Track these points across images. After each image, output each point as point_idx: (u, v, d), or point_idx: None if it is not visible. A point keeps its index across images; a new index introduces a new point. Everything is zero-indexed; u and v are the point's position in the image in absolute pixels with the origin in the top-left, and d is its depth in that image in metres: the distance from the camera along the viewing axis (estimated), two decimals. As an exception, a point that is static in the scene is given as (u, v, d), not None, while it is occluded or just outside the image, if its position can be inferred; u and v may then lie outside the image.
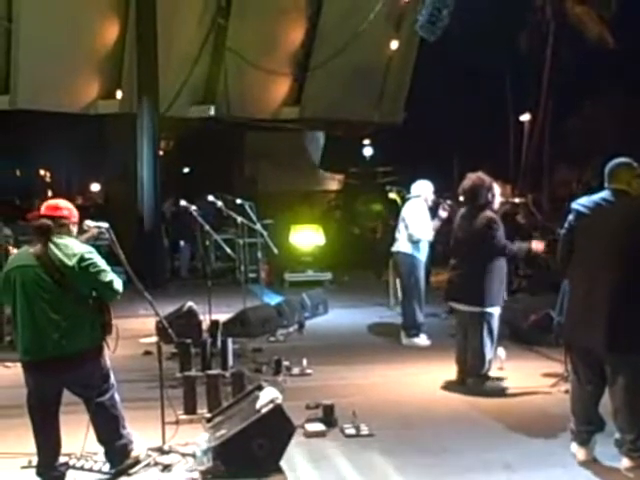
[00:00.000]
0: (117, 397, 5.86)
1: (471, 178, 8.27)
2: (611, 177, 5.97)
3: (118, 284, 5.56)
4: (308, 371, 8.91)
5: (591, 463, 5.96)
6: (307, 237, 17.09)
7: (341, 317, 12.80)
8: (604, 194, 5.96)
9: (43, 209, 5.68)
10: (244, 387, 7.27)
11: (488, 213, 8.09)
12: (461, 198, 8.45)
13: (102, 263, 5.55)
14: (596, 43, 29.55)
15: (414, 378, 8.76)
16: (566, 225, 6.16)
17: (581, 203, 6.03)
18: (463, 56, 28.06)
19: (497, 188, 8.40)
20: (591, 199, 5.99)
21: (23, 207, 19.32)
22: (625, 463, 5.77)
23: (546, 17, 31.74)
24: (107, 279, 5.52)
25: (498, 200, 8.43)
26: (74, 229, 5.77)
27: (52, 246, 5.47)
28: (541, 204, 24.98)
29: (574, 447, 6.09)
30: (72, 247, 5.51)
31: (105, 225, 5.93)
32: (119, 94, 18.44)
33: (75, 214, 5.77)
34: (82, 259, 5.45)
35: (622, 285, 5.69)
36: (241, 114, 19.89)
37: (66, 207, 5.71)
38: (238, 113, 19.77)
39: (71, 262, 5.42)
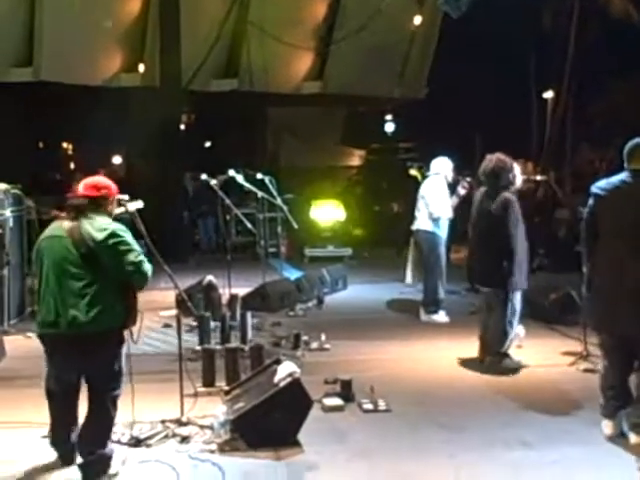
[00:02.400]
0: (118, 403, 5.60)
1: (491, 160, 8.19)
2: (630, 158, 5.92)
3: (147, 267, 5.38)
4: (326, 346, 8.93)
5: (614, 439, 5.95)
6: (327, 212, 17.07)
7: (360, 293, 12.80)
8: (623, 176, 5.92)
9: (82, 188, 5.57)
10: (263, 361, 7.30)
11: (506, 195, 8.02)
12: (481, 179, 8.39)
13: (133, 243, 5.40)
14: (621, 18, 29.14)
15: (432, 354, 8.76)
16: (587, 209, 6.13)
17: (600, 186, 6.00)
18: (487, 32, 27.78)
19: (517, 168, 8.35)
20: (610, 181, 5.96)
21: (63, 181, 19.35)
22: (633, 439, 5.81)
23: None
24: (136, 259, 5.33)
25: (519, 180, 8.37)
26: (113, 206, 5.67)
27: (85, 221, 5.37)
28: (563, 182, 24.85)
29: (603, 421, 6.09)
30: (104, 223, 5.40)
31: (125, 197, 5.92)
32: (141, 67, 18.44)
33: (114, 190, 5.65)
34: (112, 235, 5.32)
35: None
36: (263, 88, 19.82)
37: (105, 186, 5.59)
38: (260, 87, 19.71)
39: (100, 236, 5.29)
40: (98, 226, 5.36)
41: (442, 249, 10.44)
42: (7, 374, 8.02)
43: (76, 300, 5.30)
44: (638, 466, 5.50)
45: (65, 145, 28.05)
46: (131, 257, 5.33)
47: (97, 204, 5.51)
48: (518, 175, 8.28)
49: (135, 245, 5.42)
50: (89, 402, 5.47)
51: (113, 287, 5.37)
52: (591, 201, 6.06)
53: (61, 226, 5.45)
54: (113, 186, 5.68)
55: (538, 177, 12.74)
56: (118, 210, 5.82)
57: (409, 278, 11.01)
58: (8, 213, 10.33)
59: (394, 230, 16.64)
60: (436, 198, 10.32)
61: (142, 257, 5.40)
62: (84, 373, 5.46)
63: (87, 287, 5.31)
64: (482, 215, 8.18)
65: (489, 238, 8.05)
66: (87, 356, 5.35)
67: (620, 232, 5.81)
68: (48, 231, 5.56)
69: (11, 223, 10.34)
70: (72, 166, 26.42)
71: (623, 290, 5.76)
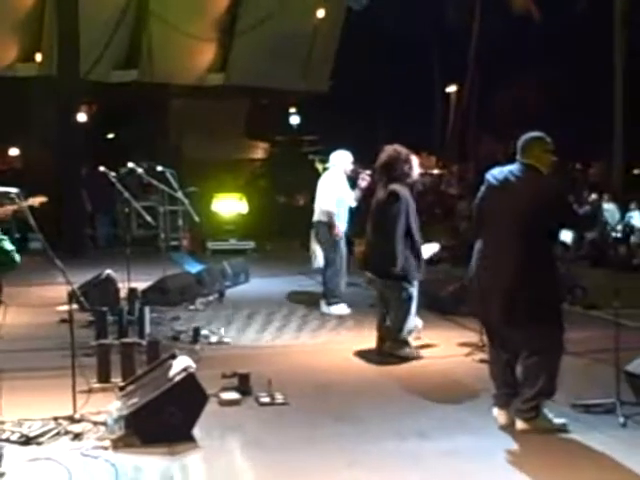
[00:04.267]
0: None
1: (387, 151, 8.29)
2: (522, 151, 6.01)
3: (15, 255, 5.37)
4: (226, 340, 8.88)
5: (506, 429, 6.03)
6: (230, 205, 17.01)
7: (262, 286, 12.80)
8: (514, 167, 6.01)
9: None
10: (159, 356, 7.20)
11: (394, 186, 8.11)
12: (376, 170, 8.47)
13: None
14: (522, 15, 29.75)
15: (332, 346, 8.81)
16: (479, 194, 6.21)
17: (493, 174, 6.08)
18: (390, 25, 28.05)
19: (415, 160, 8.44)
20: (502, 171, 6.04)
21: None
22: (519, 425, 5.94)
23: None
24: (5, 248, 5.29)
25: (416, 172, 8.47)
26: None
27: None
28: (465, 175, 25.29)
29: (495, 411, 6.18)
30: None
31: (14, 190, 5.77)
32: (39, 56, 18.00)
33: None
34: None
35: (520, 263, 5.80)
36: (165, 80, 19.62)
37: None
38: (162, 79, 19.51)
39: None
40: None
41: (341, 241, 10.47)
42: None
43: None
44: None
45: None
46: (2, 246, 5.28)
47: None
48: (415, 167, 8.36)
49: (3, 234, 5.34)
50: None
51: None
52: (483, 187, 6.16)
53: None
54: None
55: (435, 171, 12.86)
56: (11, 206, 5.68)
57: (315, 263, 11.07)
58: None
59: (299, 222, 16.65)
60: (327, 192, 10.37)
61: (10, 245, 5.34)
62: None
63: None
64: (376, 206, 8.28)
65: (381, 229, 8.16)
66: None
67: (501, 224, 5.91)
68: None
69: None
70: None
71: (497, 281, 5.87)
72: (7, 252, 5.28)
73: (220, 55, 21.01)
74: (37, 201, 6.43)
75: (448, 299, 10.17)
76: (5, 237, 5.33)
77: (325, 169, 10.92)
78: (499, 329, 6.03)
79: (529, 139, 6.04)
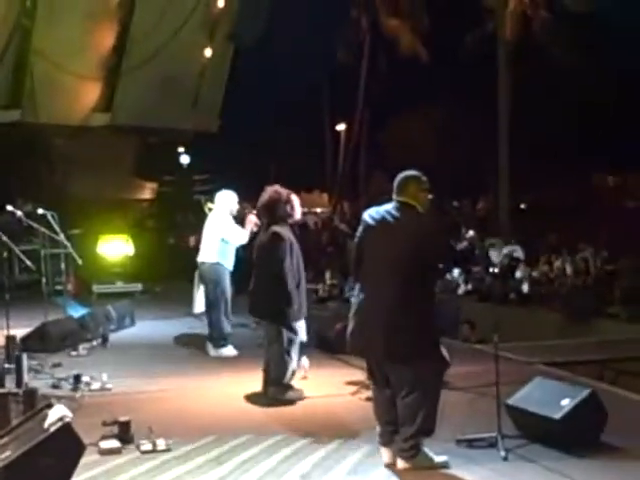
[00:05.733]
0: None
1: (268, 192, 8.31)
2: (399, 189, 6.07)
3: None
4: (108, 386, 8.63)
5: (391, 467, 6.03)
6: (116, 247, 16.70)
7: (149, 329, 12.57)
8: (390, 207, 6.05)
9: None
10: (36, 405, 6.95)
11: (274, 228, 8.12)
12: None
13: None
14: (410, 55, 30.38)
15: (219, 389, 8.68)
16: (357, 234, 6.24)
17: (370, 214, 6.11)
18: (281, 63, 28.28)
19: (296, 200, 8.45)
20: (379, 210, 6.08)
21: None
22: (399, 464, 5.95)
23: (362, 29, 32.35)
24: None
25: (298, 212, 8.49)
26: None
27: None
28: (357, 212, 25.49)
29: (381, 449, 6.16)
30: None
31: None
32: None
33: None
34: None
35: (398, 300, 5.84)
36: (49, 120, 19.26)
37: None
38: (46, 119, 19.13)
39: None
40: None
41: (227, 281, 10.38)
42: None
43: None
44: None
45: None
46: None
47: None
48: (297, 207, 8.38)
49: None
50: None
51: None
52: (360, 227, 6.19)
53: None
54: None
55: (318, 209, 12.91)
56: None
57: (196, 308, 10.95)
58: None
59: (189, 264, 16.43)
60: (211, 233, 10.29)
61: None
62: None
63: None
64: (259, 248, 8.27)
65: (263, 271, 8.14)
66: None
67: (380, 262, 5.94)
68: None
69: None
70: None
71: (377, 318, 5.89)
72: None
73: (106, 94, 20.77)
74: None
75: (336, 338, 10.14)
76: None
77: (211, 209, 10.84)
78: (381, 365, 6.04)
79: (405, 178, 6.10)
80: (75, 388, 8.44)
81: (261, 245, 8.27)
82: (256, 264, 8.35)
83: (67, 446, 5.79)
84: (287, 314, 7.98)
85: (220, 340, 10.35)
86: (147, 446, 6.60)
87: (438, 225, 6.19)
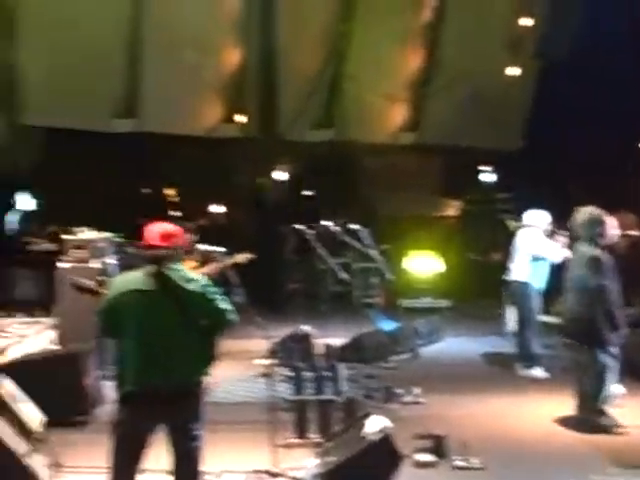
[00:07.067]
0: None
1: (582, 212, 8.15)
2: None
3: (233, 315, 5.29)
4: (420, 400, 8.83)
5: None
6: (424, 263, 16.97)
7: (456, 346, 12.63)
8: None
9: (156, 237, 5.27)
10: (355, 414, 7.27)
11: (594, 251, 7.92)
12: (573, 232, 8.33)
13: (218, 291, 5.30)
14: None
15: (529, 411, 8.61)
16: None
17: None
18: (590, 82, 27.39)
19: (612, 221, 8.22)
20: None
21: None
22: None
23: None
24: (223, 307, 5.25)
25: (614, 234, 8.25)
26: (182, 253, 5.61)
27: (167, 272, 5.21)
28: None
29: None
30: (187, 273, 5.30)
31: (221, 250, 6.01)
32: (240, 118, 18.82)
33: (185, 238, 5.55)
34: (200, 285, 5.22)
35: None
36: (359, 139, 20.01)
37: (178, 234, 5.38)
38: (356, 138, 19.90)
39: (190, 287, 5.17)
40: (183, 277, 5.21)
41: (535, 301, 10.26)
42: (100, 420, 7.90)
43: (167, 355, 5.13)
44: None
45: (167, 193, 28.71)
46: (219, 305, 5.23)
47: (174, 253, 5.31)
48: (612, 229, 8.16)
49: (219, 293, 5.31)
50: (175, 453, 5.22)
51: (201, 338, 5.24)
52: None
53: (141, 277, 5.22)
54: (182, 232, 5.53)
55: (633, 232, 12.39)
56: (216, 264, 5.84)
57: (507, 326, 10.91)
58: (111, 261, 10.60)
59: (493, 281, 16.36)
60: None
61: (228, 305, 5.30)
62: (167, 423, 5.19)
63: (177, 340, 5.16)
64: (574, 269, 8.10)
65: (579, 293, 7.95)
66: (174, 406, 5.15)
67: None
68: (126, 284, 5.30)
69: (113, 270, 10.59)
70: (172, 214, 26.98)
71: None
72: (222, 312, 5.28)
73: (412, 114, 21.22)
74: (242, 258, 6.66)
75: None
76: (223, 296, 5.33)
77: (517, 228, 10.77)
78: None
79: None
80: (387, 400, 8.70)
81: (576, 265, 8.09)
82: (570, 285, 8.18)
83: (386, 457, 6.02)
84: (607, 338, 7.76)
85: (529, 360, 10.24)
86: (461, 462, 6.68)
87: None
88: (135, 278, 5.27)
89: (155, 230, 5.32)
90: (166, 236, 5.30)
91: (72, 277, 9.79)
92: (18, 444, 6.14)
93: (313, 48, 19.00)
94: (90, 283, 9.61)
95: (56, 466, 6.54)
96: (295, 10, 17.79)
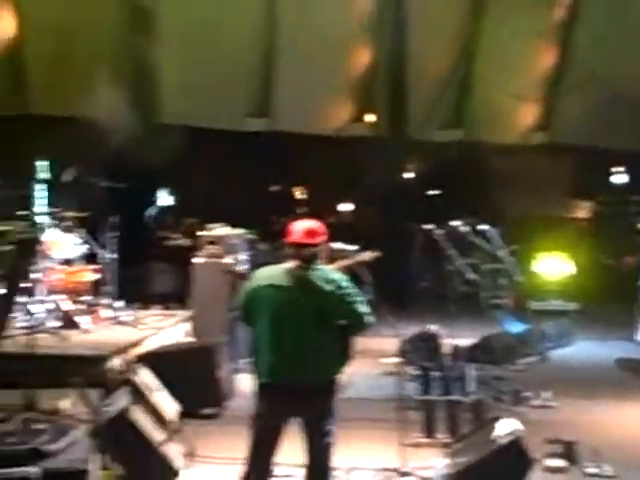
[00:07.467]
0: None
1: None
2: None
3: (370, 317, 5.30)
4: (550, 403, 8.73)
5: None
6: (554, 265, 16.67)
7: (586, 350, 12.39)
8: None
9: (300, 235, 5.29)
10: (483, 415, 7.26)
11: None
12: None
13: (357, 292, 5.30)
14: None
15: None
16: None
17: None
18: None
19: None
20: None
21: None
22: None
23: None
24: (361, 310, 5.26)
25: None
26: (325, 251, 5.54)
27: (307, 270, 5.24)
28: None
29: None
30: (328, 273, 5.30)
31: (352, 247, 6.05)
32: (369, 117, 18.93)
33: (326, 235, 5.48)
34: (340, 286, 5.21)
35: None
36: (489, 139, 19.80)
37: (322, 232, 5.37)
38: (484, 138, 19.71)
39: (328, 288, 5.18)
40: (324, 277, 5.23)
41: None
42: (232, 413, 8.24)
43: (303, 353, 5.18)
44: None
45: (295, 191, 29.07)
46: (357, 308, 5.24)
47: (318, 251, 5.34)
48: None
49: (359, 294, 5.32)
50: (310, 448, 5.32)
51: (337, 337, 5.27)
52: None
53: (284, 274, 5.27)
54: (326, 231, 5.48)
55: None
56: (346, 261, 5.92)
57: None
58: (243, 257, 10.86)
59: (629, 285, 15.90)
60: None
61: (366, 308, 5.31)
62: (305, 419, 5.28)
63: (314, 339, 5.19)
64: None
65: None
66: (310, 402, 5.23)
67: None
68: (268, 277, 5.33)
69: (245, 266, 10.85)
70: (299, 211, 27.28)
71: None
72: (360, 314, 5.27)
73: (543, 114, 20.85)
74: (370, 256, 6.72)
75: None
76: (360, 299, 5.32)
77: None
78: None
79: None
80: (515, 402, 8.63)
81: None
82: None
83: (516, 460, 5.99)
84: None
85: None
86: (593, 469, 6.58)
87: None
88: (276, 273, 5.32)
89: (300, 227, 5.35)
90: (311, 233, 5.32)
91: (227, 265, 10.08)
92: (154, 433, 6.38)
93: (443, 48, 18.92)
94: (243, 270, 9.91)
95: (190, 455, 6.80)
96: (425, 10, 17.75)
